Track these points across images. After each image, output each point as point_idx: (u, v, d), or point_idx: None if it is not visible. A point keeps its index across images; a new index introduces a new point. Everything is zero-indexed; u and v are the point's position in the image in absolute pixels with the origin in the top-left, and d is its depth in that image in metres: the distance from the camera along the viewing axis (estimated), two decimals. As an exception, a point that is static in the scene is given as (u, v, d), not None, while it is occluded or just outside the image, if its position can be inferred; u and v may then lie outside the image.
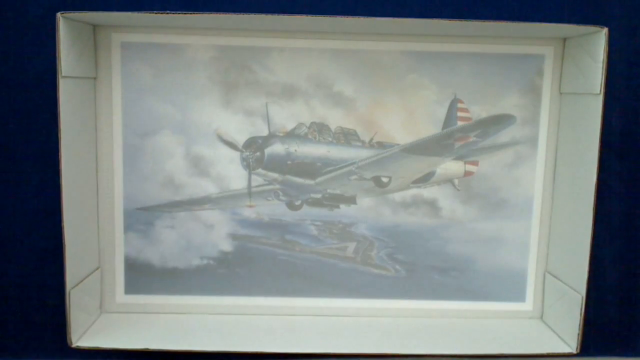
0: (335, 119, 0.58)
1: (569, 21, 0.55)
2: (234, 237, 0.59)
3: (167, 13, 0.49)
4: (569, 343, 0.56)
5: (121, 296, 0.59)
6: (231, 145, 0.58)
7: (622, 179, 0.62)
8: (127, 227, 0.57)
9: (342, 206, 0.59)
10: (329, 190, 0.59)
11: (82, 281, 0.54)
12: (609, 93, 0.58)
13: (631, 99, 0.60)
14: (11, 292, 0.60)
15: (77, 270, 0.53)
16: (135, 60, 0.56)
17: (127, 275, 0.59)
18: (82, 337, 0.55)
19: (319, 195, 0.59)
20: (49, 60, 0.55)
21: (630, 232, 0.63)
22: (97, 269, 0.58)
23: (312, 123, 0.58)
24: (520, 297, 0.61)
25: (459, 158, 0.59)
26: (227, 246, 0.59)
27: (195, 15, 0.49)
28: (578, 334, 0.55)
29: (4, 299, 0.60)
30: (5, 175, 0.59)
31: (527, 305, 0.61)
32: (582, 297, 0.54)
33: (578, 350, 0.55)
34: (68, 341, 0.53)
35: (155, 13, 0.49)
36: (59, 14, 0.49)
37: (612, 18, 0.59)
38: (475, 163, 0.59)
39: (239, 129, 0.58)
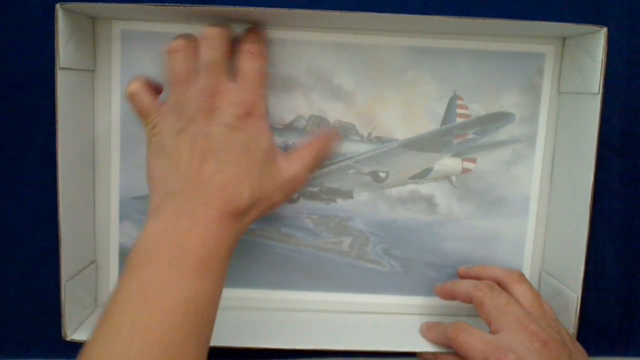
0: (334, 112, 0.58)
1: (569, 20, 0.55)
2: (230, 228, 0.59)
3: (167, 5, 0.49)
4: (563, 342, 0.56)
5: (114, 285, 0.59)
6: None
7: (622, 179, 0.62)
8: (123, 216, 0.57)
9: (339, 200, 0.59)
10: (325, 184, 0.59)
11: (77, 274, 0.55)
12: (610, 93, 0.58)
13: (631, 98, 0.60)
14: (10, 292, 0.60)
15: (73, 263, 0.53)
16: (135, 49, 0.56)
17: (121, 265, 0.59)
18: (77, 330, 0.55)
19: (316, 189, 0.59)
20: (46, 53, 0.55)
21: (630, 232, 0.62)
22: (92, 262, 0.58)
23: (310, 116, 0.58)
24: (515, 295, 0.61)
25: (456, 155, 0.59)
26: (223, 238, 0.59)
27: (196, 7, 0.49)
28: (573, 333, 0.55)
29: (3, 299, 0.60)
30: (3, 171, 0.59)
31: (523, 303, 0.61)
32: (578, 297, 0.54)
33: (573, 350, 0.55)
34: (63, 334, 0.53)
35: (155, 5, 0.49)
36: (58, 5, 0.49)
37: (612, 18, 0.58)
38: (473, 160, 0.59)
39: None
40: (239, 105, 0.48)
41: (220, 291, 0.46)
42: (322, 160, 0.55)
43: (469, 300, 0.54)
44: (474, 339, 0.50)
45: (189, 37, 0.50)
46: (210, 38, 0.49)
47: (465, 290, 0.54)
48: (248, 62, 0.50)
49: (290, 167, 0.51)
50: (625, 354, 0.65)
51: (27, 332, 0.61)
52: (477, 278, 0.56)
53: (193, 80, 0.49)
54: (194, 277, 0.43)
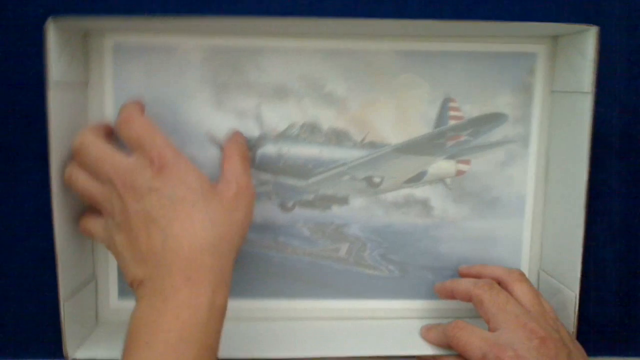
0: (327, 119, 0.58)
1: (568, 19, 0.55)
2: (226, 239, 0.59)
3: (160, 17, 0.49)
4: (563, 342, 0.55)
5: (114, 301, 0.59)
6: (223, 146, 0.57)
7: (622, 179, 0.62)
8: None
9: (335, 207, 0.59)
10: (321, 191, 0.59)
11: (77, 292, 0.54)
12: (609, 93, 0.58)
13: (631, 99, 0.60)
14: (9, 292, 0.60)
15: (72, 281, 0.53)
16: (127, 62, 0.56)
17: (120, 279, 0.59)
18: (79, 348, 0.54)
19: (311, 196, 0.59)
20: (39, 67, 0.55)
21: (630, 232, 0.62)
22: (92, 279, 0.58)
23: (303, 123, 0.58)
24: (514, 296, 0.61)
25: (450, 157, 0.59)
26: (219, 248, 0.59)
27: (187, 18, 0.50)
28: (572, 332, 0.55)
29: (2, 299, 0.60)
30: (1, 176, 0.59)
31: (522, 304, 0.61)
32: (576, 295, 0.54)
33: (572, 349, 0.54)
34: (64, 353, 0.52)
35: (147, 17, 0.49)
36: (49, 19, 0.49)
37: (612, 17, 0.58)
38: (467, 162, 0.59)
39: (231, 130, 0.57)
40: (147, 167, 0.47)
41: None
42: (247, 157, 0.53)
43: (468, 298, 0.54)
44: (472, 336, 0.50)
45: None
46: (83, 148, 0.50)
47: (465, 288, 0.54)
48: (128, 131, 0.49)
49: (229, 183, 0.50)
50: (625, 354, 0.65)
51: (27, 332, 0.61)
52: (477, 277, 0.56)
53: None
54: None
